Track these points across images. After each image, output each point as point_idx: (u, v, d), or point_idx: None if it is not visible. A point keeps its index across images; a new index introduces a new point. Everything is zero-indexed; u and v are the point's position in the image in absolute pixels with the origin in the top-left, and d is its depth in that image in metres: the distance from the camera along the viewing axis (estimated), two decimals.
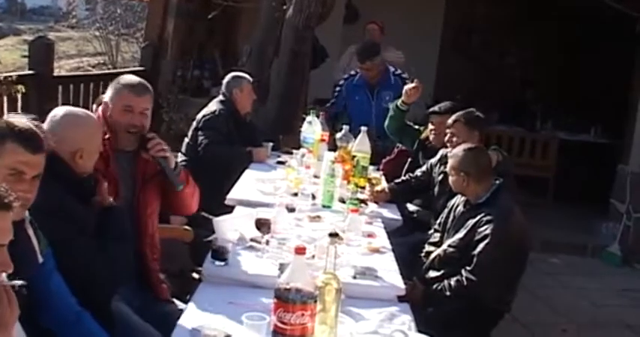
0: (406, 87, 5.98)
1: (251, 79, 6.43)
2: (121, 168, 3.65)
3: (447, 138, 5.18)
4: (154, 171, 3.71)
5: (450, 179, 4.45)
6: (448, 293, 4.15)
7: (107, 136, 3.58)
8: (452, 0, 11.79)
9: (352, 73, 7.17)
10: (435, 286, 4.24)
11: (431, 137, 5.68)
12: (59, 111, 3.26)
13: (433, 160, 5.47)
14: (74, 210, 3.03)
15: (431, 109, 5.77)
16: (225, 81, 6.37)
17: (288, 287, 2.48)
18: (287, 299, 2.47)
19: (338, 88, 7.24)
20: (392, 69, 7.05)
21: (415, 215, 5.65)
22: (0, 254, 2.03)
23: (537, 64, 11.52)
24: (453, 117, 5.22)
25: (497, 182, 4.36)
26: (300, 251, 2.52)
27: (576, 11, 10.38)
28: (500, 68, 11.77)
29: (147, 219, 3.71)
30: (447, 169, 4.50)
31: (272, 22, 8.10)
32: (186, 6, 9.56)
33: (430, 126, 5.66)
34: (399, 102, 6.03)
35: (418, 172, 5.52)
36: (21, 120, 2.64)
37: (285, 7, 7.71)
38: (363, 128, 5.62)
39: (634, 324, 6.23)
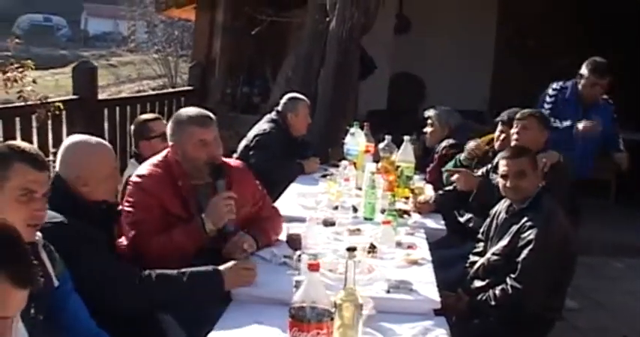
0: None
1: (307, 101, 6.41)
2: (204, 202, 3.71)
3: (515, 130, 5.10)
4: None
5: (508, 183, 4.28)
6: (493, 302, 4.01)
7: (180, 182, 3.72)
8: (504, 3, 11.61)
9: (562, 84, 6.35)
10: (479, 296, 4.10)
11: (496, 145, 5.51)
12: (69, 139, 3.29)
13: (490, 165, 5.34)
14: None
15: (499, 118, 5.57)
16: (282, 101, 6.38)
17: (302, 305, 2.40)
18: (301, 318, 2.39)
19: (550, 98, 6.33)
20: None
21: (470, 224, 5.47)
22: (1, 326, 1.93)
23: None
24: (527, 111, 5.19)
25: (541, 185, 4.23)
26: (313, 267, 2.45)
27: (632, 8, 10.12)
28: (556, 69, 11.51)
29: None
30: (502, 173, 4.33)
31: (316, 35, 8.06)
32: (232, 24, 9.60)
33: (499, 134, 5.50)
34: (462, 157, 5.74)
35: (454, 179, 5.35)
36: (20, 142, 2.67)
37: (328, 19, 7.67)
38: (406, 137, 5.52)
39: None
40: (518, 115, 5.16)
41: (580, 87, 6.14)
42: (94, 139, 3.39)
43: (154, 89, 19.78)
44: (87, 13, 45.34)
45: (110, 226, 3.39)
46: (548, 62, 11.42)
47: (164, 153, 3.88)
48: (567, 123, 5.91)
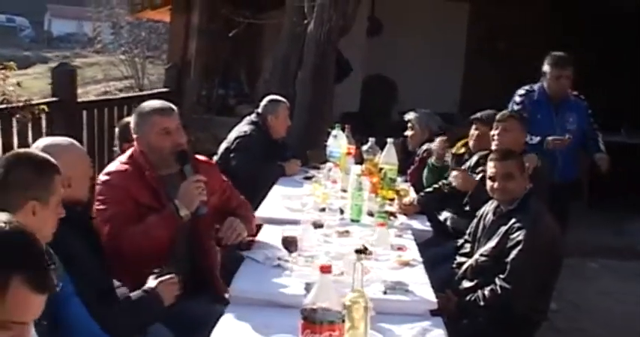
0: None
1: (287, 103, 6.44)
2: (174, 191, 3.72)
3: (496, 132, 5.08)
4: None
5: (496, 185, 4.33)
6: (482, 303, 4.04)
7: (147, 172, 3.74)
8: (475, 6, 11.70)
9: (528, 88, 6.26)
10: (468, 297, 4.14)
11: (471, 143, 5.55)
12: (40, 143, 3.25)
13: (468, 164, 5.39)
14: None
15: (475, 116, 5.58)
16: (262, 103, 6.40)
17: (314, 307, 2.42)
18: (314, 320, 2.40)
19: (518, 105, 6.19)
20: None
21: (450, 223, 5.50)
22: (21, 332, 1.86)
23: None
24: (506, 112, 5.22)
25: (528, 187, 4.27)
26: (325, 269, 2.46)
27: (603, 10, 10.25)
28: (528, 73, 11.59)
29: (204, 231, 3.88)
30: (490, 175, 4.37)
31: (294, 37, 8.07)
32: (208, 25, 9.58)
33: (473, 132, 5.52)
34: (433, 160, 5.76)
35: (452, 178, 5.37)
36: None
37: (306, 21, 7.67)
38: (390, 139, 5.54)
39: None
40: (498, 117, 5.15)
41: (546, 85, 6.13)
42: (65, 140, 3.34)
43: (120, 90, 19.67)
44: (50, 14, 44.94)
45: (88, 228, 3.34)
46: (520, 66, 11.52)
47: (130, 150, 3.91)
48: (537, 138, 5.80)
